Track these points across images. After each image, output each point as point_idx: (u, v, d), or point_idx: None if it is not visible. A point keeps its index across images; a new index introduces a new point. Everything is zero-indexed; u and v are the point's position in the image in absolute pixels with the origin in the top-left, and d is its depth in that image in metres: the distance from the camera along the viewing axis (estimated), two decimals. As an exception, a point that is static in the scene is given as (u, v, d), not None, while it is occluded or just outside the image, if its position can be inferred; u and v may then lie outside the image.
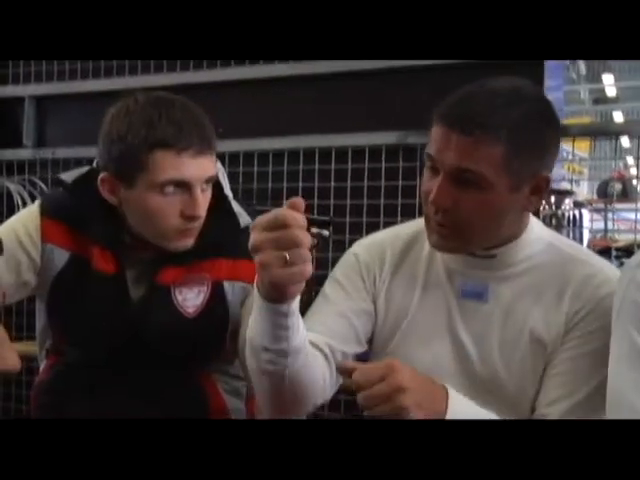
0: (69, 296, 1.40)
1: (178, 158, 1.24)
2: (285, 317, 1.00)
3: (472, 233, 1.14)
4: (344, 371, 1.04)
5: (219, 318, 1.40)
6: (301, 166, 2.36)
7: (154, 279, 1.37)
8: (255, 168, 2.44)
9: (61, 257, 1.39)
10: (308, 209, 0.95)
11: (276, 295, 0.97)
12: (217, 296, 1.39)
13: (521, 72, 1.99)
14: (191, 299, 1.37)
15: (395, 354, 1.22)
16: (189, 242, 1.33)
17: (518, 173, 1.09)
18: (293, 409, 1.14)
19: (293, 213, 0.92)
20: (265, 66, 2.45)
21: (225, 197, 1.41)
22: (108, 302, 1.38)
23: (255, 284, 1.00)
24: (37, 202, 1.46)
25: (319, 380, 1.16)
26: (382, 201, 2.24)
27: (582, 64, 7.65)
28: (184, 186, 1.26)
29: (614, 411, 1.03)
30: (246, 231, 1.41)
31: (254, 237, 0.94)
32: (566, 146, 2.30)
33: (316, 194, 2.30)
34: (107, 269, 1.37)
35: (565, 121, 3.43)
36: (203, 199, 1.30)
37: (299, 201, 0.93)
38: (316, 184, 2.31)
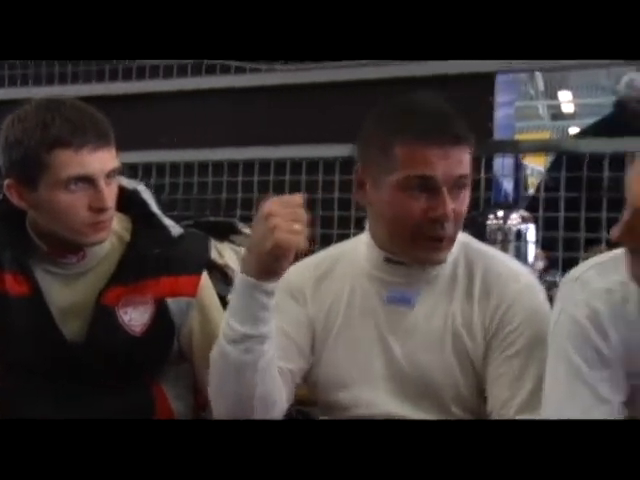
0: None
1: (77, 155, 1.26)
2: (268, 296, 1.13)
3: (457, 236, 1.21)
4: None
5: (165, 334, 1.42)
6: (256, 177, 2.35)
7: (98, 300, 1.38)
8: (210, 178, 2.43)
9: None
10: None
11: (268, 267, 1.12)
12: (162, 313, 1.40)
13: (471, 87, 2.00)
14: (136, 318, 1.39)
15: (326, 363, 1.27)
16: (104, 235, 1.35)
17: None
18: (260, 409, 1.17)
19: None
20: (222, 77, 2.44)
21: (152, 214, 1.44)
22: (30, 323, 1.38)
23: (241, 263, 1.17)
24: None
25: (280, 385, 1.21)
26: (335, 213, 2.24)
27: (540, 80, 7.78)
28: (88, 181, 1.28)
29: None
30: (180, 241, 1.43)
31: (271, 206, 1.11)
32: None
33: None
34: (22, 292, 1.38)
35: (518, 136, 3.49)
36: (109, 192, 1.31)
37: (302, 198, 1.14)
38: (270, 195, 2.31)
